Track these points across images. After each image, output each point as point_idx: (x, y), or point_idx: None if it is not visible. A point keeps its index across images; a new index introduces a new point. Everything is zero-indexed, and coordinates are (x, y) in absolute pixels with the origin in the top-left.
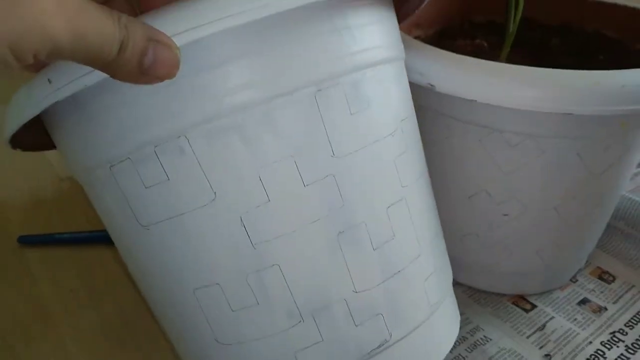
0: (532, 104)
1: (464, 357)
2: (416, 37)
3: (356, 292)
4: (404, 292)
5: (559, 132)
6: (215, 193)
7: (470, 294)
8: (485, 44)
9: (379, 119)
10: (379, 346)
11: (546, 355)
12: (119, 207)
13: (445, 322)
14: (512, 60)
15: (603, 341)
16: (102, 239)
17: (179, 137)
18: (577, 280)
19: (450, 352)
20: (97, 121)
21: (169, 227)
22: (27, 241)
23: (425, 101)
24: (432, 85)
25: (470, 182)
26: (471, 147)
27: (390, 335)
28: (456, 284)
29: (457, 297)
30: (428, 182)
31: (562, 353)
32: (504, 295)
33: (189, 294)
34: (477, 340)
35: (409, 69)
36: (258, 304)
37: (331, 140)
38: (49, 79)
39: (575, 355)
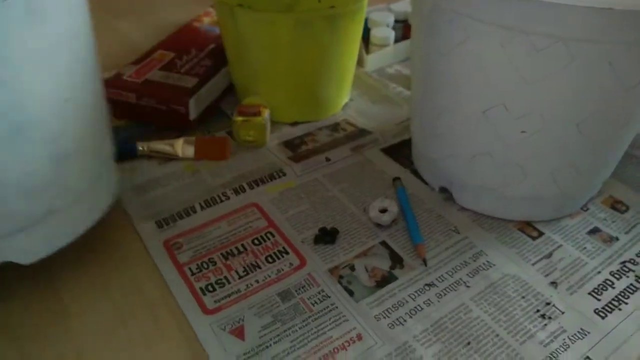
0: None
1: (465, 282)
2: None
3: None
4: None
5: (592, 35)
6: None
7: (474, 219)
8: None
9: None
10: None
11: (552, 283)
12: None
13: None
14: None
15: (612, 271)
16: None
17: None
18: (588, 209)
19: (451, 276)
20: None
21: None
22: None
23: None
24: None
25: (486, 94)
26: (491, 53)
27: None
28: (461, 208)
29: (461, 222)
30: None
31: (568, 281)
32: (511, 221)
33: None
34: (480, 265)
35: None
36: None
37: None
38: None
39: (583, 284)
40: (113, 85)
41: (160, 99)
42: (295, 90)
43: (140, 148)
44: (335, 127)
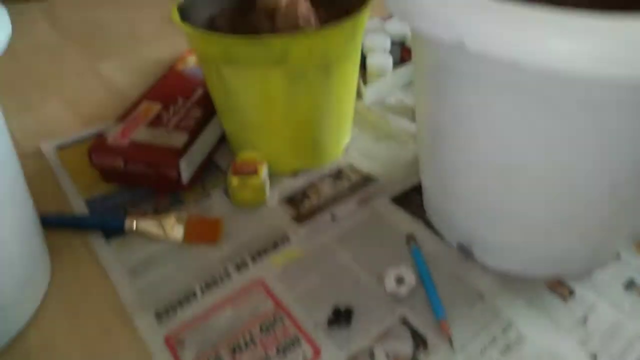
0: (610, 71)
1: None
2: None
3: None
4: None
5: (626, 99)
6: None
7: (499, 280)
8: None
9: None
10: None
11: (591, 355)
12: None
13: None
14: None
15: None
16: (70, 222)
17: None
18: (620, 256)
19: (481, 355)
20: None
21: None
22: None
23: (445, 54)
24: (462, 42)
25: (505, 157)
26: (508, 116)
27: None
28: (484, 268)
29: (485, 286)
30: None
31: (609, 352)
32: (538, 279)
33: None
34: (512, 341)
35: (419, 14)
36: None
37: None
38: None
39: (626, 356)
40: (97, 151)
41: (149, 164)
42: (292, 140)
43: (128, 225)
44: (338, 174)
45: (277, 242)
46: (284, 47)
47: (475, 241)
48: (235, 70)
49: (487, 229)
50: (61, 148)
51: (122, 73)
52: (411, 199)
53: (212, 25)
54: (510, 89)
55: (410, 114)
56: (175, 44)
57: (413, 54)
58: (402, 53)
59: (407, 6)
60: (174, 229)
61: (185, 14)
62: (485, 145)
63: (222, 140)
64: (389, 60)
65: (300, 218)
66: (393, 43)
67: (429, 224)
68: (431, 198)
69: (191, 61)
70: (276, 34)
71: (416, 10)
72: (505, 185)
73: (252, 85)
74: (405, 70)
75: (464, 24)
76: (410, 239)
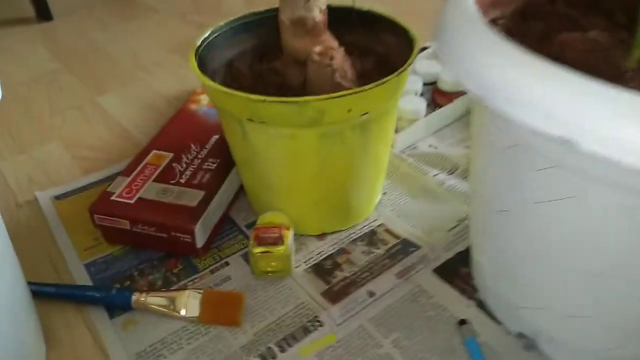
0: None
1: None
2: (494, 21)
3: None
4: None
5: None
6: None
7: None
8: (602, 40)
9: None
10: None
11: None
12: None
13: None
14: None
15: None
16: (69, 295)
17: None
18: None
19: None
20: None
21: None
22: None
23: (529, 135)
24: (571, 141)
25: (596, 258)
26: (610, 214)
27: None
28: None
29: None
30: None
31: None
32: None
33: None
34: None
35: (514, 100)
36: None
37: None
38: None
39: None
40: (100, 211)
41: (159, 227)
42: (321, 200)
43: (135, 301)
44: (371, 238)
45: (307, 327)
46: (320, 108)
47: (541, 335)
48: (260, 128)
49: (557, 325)
50: (59, 198)
51: (126, 108)
52: (457, 271)
53: (231, 70)
54: (615, 187)
55: (446, 164)
56: (183, 76)
57: (472, 114)
58: (433, 96)
59: (493, 85)
60: (189, 306)
61: (202, 56)
62: (570, 243)
63: (240, 191)
64: (422, 105)
65: (332, 295)
66: (424, 84)
67: (481, 305)
68: (486, 278)
69: (205, 100)
70: (311, 95)
71: (511, 95)
72: (589, 287)
73: (280, 143)
74: (438, 115)
75: (581, 119)
76: (463, 324)
